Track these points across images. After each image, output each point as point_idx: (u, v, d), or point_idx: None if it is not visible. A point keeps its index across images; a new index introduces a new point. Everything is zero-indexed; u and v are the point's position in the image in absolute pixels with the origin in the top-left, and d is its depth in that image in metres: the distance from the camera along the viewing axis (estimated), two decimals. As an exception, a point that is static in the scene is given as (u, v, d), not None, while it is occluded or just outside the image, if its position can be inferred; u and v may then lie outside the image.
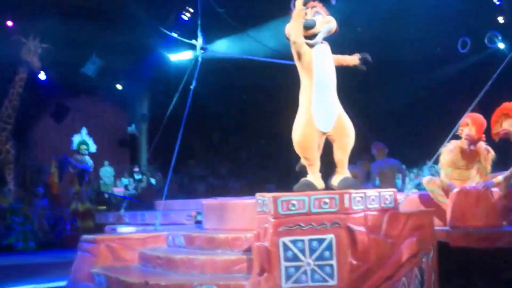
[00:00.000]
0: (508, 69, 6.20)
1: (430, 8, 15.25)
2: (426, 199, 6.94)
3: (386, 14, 16.38)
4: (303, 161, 5.99)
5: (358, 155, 9.97)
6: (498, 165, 6.73)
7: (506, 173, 6.44)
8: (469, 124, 6.69)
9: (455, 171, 6.79)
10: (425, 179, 6.76)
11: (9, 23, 15.67)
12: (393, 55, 17.58)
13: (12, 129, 15.30)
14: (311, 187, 5.68)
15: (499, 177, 6.42)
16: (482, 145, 6.78)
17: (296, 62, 5.95)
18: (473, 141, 6.70)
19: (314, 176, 5.87)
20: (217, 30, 14.38)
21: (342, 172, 5.92)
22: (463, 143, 6.75)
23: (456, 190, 6.46)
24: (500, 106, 6.62)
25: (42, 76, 17.30)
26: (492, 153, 6.76)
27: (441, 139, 6.70)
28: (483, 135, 6.73)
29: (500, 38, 9.33)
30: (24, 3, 15.17)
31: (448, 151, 6.78)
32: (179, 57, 17.62)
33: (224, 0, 14.76)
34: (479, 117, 6.74)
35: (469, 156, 6.76)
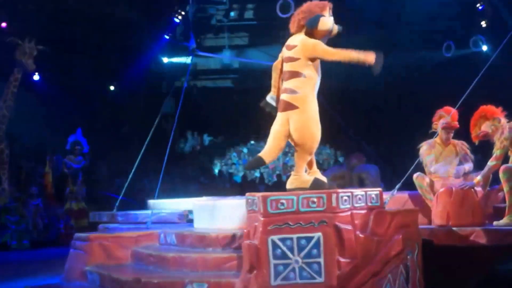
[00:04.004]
0: (489, 71, 6.35)
1: (416, 12, 15.41)
2: (411, 198, 7.11)
3: (374, 18, 16.53)
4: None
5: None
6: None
7: (483, 170, 6.62)
8: (444, 115, 6.97)
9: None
10: (415, 175, 6.95)
11: (3, 24, 15.67)
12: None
13: (6, 130, 15.30)
14: (323, 185, 5.84)
15: (478, 177, 6.60)
16: (455, 140, 7.06)
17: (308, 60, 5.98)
18: (451, 128, 6.97)
19: (304, 173, 6.02)
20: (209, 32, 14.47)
21: (315, 172, 6.10)
22: (439, 137, 7.03)
23: (441, 190, 6.65)
24: (478, 110, 6.83)
25: (36, 76, 17.32)
26: (466, 144, 7.03)
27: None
28: (457, 123, 6.99)
29: (484, 41, 9.51)
30: (18, 4, 15.19)
31: (426, 143, 7.08)
32: (172, 58, 17.71)
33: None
34: (450, 107, 7.04)
35: (447, 151, 7.00)
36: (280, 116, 5.98)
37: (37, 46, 15.15)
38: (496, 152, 6.56)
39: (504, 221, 6.37)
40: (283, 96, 5.98)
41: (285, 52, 6.11)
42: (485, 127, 6.69)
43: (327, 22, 6.07)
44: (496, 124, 6.66)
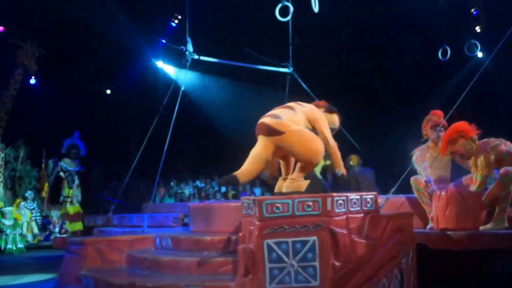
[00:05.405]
0: (484, 77, 6.38)
1: (411, 18, 15.49)
2: (407, 202, 7.12)
3: (369, 24, 16.61)
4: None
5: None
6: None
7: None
8: (432, 118, 7.21)
9: (430, 170, 7.07)
10: (413, 178, 6.99)
11: (0, 28, 15.68)
12: (375, 63, 17.81)
13: (2, 133, 15.29)
14: (319, 189, 5.90)
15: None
16: None
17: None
18: (438, 125, 7.05)
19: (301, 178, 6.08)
20: (206, 36, 14.49)
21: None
22: (431, 140, 7.07)
23: (438, 192, 6.68)
24: (456, 126, 6.77)
25: (32, 80, 17.33)
26: None
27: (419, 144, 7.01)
28: (444, 121, 7.08)
29: (479, 47, 9.59)
30: (15, 8, 15.21)
31: (419, 149, 7.12)
32: (168, 62, 17.72)
33: (213, 7, 14.95)
34: (436, 110, 7.24)
35: (439, 155, 7.04)
36: (262, 140, 5.90)
37: (38, 48, 15.19)
38: (481, 176, 6.58)
39: (490, 225, 6.41)
40: (266, 120, 5.96)
41: None
42: (460, 146, 6.68)
43: None
44: (471, 144, 6.66)
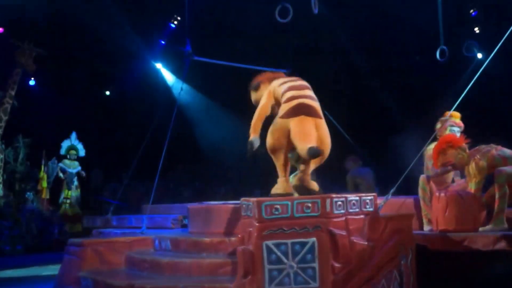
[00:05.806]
0: (484, 77, 6.39)
1: (409, 18, 15.49)
2: (407, 203, 7.11)
3: (366, 23, 16.60)
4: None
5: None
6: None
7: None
8: (448, 118, 7.31)
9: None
10: (422, 176, 7.02)
11: (0, 29, 15.69)
12: (374, 64, 17.78)
13: (2, 133, 15.27)
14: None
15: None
16: None
17: None
18: (458, 126, 7.29)
19: None
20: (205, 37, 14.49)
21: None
22: None
23: (438, 193, 6.67)
24: (443, 138, 6.91)
25: (31, 81, 17.33)
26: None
27: (419, 144, 6.99)
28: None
29: (477, 47, 9.66)
30: (14, 10, 15.21)
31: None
32: (167, 65, 17.73)
33: (212, 8, 14.95)
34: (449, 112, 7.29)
35: None
36: (311, 121, 5.89)
37: (36, 48, 15.19)
38: (475, 184, 6.63)
39: (489, 226, 6.43)
40: (310, 102, 6.02)
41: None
42: (451, 155, 6.72)
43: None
44: (462, 153, 6.71)
